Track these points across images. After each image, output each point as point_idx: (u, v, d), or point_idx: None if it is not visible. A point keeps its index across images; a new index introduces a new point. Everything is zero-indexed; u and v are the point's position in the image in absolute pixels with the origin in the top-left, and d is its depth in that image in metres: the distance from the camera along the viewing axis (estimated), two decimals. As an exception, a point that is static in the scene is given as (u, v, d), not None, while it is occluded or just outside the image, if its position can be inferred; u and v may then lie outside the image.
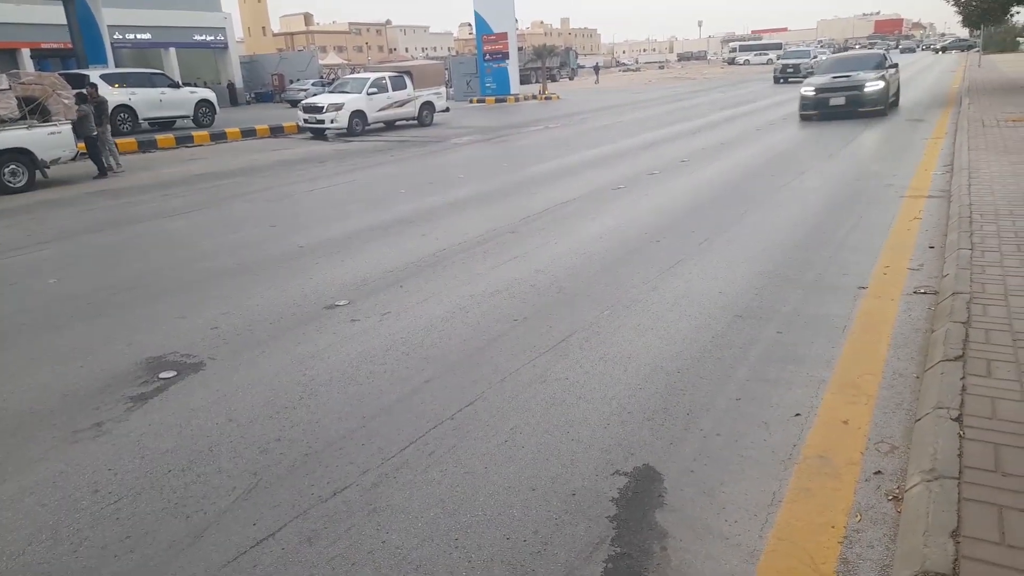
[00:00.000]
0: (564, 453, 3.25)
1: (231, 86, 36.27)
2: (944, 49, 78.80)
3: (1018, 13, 33.13)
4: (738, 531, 2.67)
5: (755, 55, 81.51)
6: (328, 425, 3.63)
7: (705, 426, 3.42)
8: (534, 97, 34.55)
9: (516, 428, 3.49)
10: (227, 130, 20.29)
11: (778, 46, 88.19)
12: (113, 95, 18.74)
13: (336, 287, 5.94)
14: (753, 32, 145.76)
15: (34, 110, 12.83)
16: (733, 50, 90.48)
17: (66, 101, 13.39)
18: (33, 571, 2.65)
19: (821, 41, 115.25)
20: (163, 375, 4.33)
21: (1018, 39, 51.87)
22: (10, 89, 12.50)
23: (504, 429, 3.48)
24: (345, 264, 6.72)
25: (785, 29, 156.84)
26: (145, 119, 20.59)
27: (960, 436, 2.91)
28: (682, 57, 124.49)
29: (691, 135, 16.04)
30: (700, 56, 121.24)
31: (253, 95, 39.41)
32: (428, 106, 22.15)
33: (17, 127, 12.28)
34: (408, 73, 22.16)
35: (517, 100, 33.10)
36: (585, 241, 7.08)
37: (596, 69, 62.66)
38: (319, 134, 19.59)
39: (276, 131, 21.17)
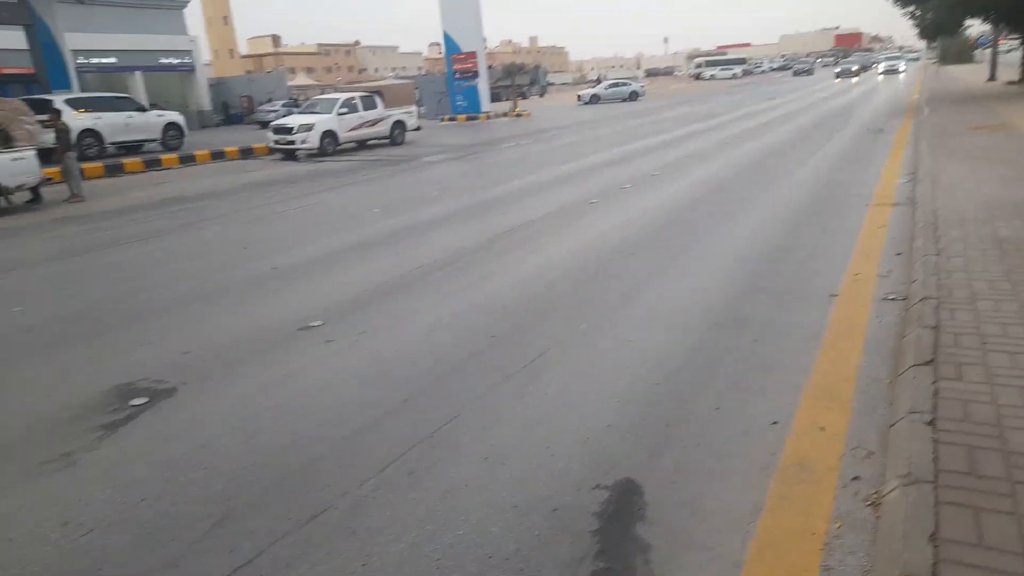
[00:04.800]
0: (544, 469, 3.23)
1: (201, 113, 35.97)
2: (844, 73, 53.56)
3: (971, 26, 34.22)
4: (720, 541, 2.67)
5: (720, 69, 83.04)
6: (303, 448, 3.57)
7: (685, 437, 3.43)
8: (505, 115, 34.75)
9: (495, 446, 3.46)
10: (196, 153, 20.08)
11: (742, 61, 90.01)
12: (78, 119, 18.45)
13: (310, 308, 5.87)
14: (718, 48, 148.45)
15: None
16: (699, 65, 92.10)
17: (29, 127, 13.18)
18: (-1, 610, 2.56)
19: (784, 56, 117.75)
20: (134, 402, 4.24)
21: (973, 51, 53.56)
22: (-29, 115, 12.27)
23: (483, 447, 3.46)
24: (319, 284, 6.66)
25: (748, 44, 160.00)
26: (112, 143, 20.28)
27: (934, 440, 2.95)
28: (650, 73, 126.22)
29: (661, 149, 16.23)
30: (667, 72, 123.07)
31: (221, 117, 39.09)
32: (399, 125, 22.15)
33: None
34: (379, 92, 22.17)
35: (488, 118, 33.26)
36: (559, 256, 7.10)
37: (598, 81, 63.91)
38: (290, 155, 19.47)
39: (246, 153, 21.00)
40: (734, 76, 78.67)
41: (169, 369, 4.73)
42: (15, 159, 12.50)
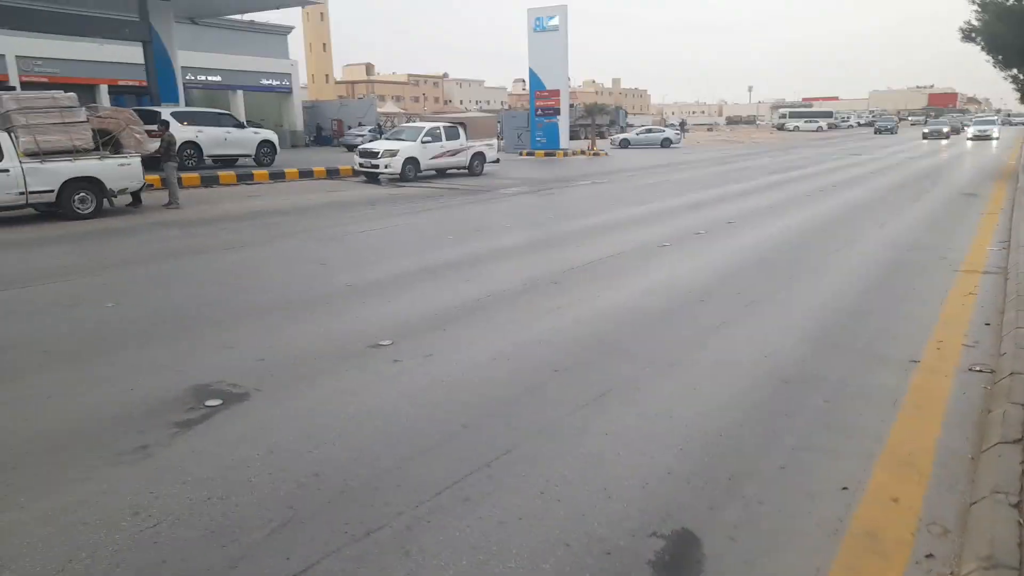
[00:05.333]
0: (600, 510, 3.19)
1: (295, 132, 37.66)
2: (933, 135, 49.67)
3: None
4: (779, 605, 2.57)
5: (805, 122, 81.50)
6: (365, 463, 3.64)
7: (748, 493, 3.33)
8: (582, 153, 35.01)
9: (552, 480, 3.45)
10: (286, 170, 20.98)
11: (829, 114, 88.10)
12: (182, 132, 19.62)
13: (380, 327, 6.02)
14: (804, 99, 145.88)
15: (107, 142, 13.49)
16: (783, 116, 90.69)
17: (138, 135, 14.07)
18: (70, 588, 2.69)
19: (872, 111, 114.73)
20: (209, 403, 4.42)
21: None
22: (87, 122, 13.19)
23: (540, 481, 3.44)
24: (390, 305, 6.81)
25: (836, 98, 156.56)
26: (210, 156, 21.43)
27: (1019, 523, 2.78)
28: (731, 121, 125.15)
29: (738, 197, 15.99)
30: (749, 120, 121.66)
31: (312, 138, 40.82)
32: (479, 156, 22.61)
33: (90, 157, 12.90)
34: (462, 124, 22.74)
35: (566, 155, 33.57)
36: (628, 296, 7.06)
37: (682, 125, 63.64)
38: (373, 178, 20.11)
39: (332, 173, 21.80)
40: (819, 129, 77.01)
41: (244, 374, 4.92)
42: (122, 164, 13.35)
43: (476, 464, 3.60)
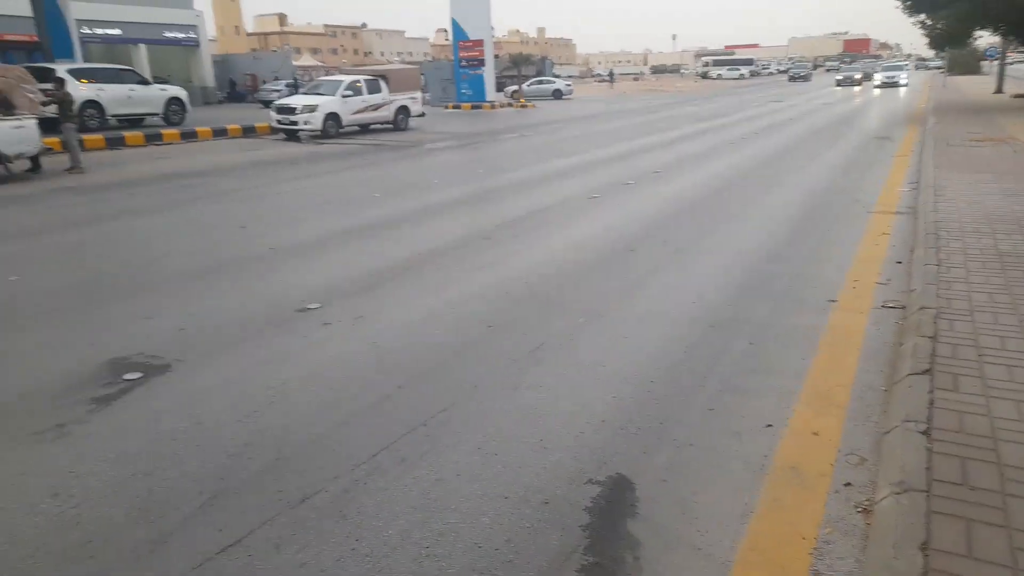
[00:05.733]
0: (537, 462, 3.23)
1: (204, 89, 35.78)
2: (845, 82, 48.53)
3: (980, 37, 34.16)
4: (710, 542, 2.67)
5: (728, 69, 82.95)
6: (298, 430, 3.56)
7: (678, 436, 3.43)
8: (510, 105, 34.65)
9: (489, 436, 3.46)
10: (198, 129, 19.98)
11: (750, 61, 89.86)
12: (81, 90, 18.33)
13: (308, 290, 5.86)
14: (726, 48, 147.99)
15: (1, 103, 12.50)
16: (706, 64, 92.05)
17: (31, 95, 13.08)
18: (-14, 578, 2.55)
19: (792, 58, 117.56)
20: (128, 376, 4.22)
21: (981, 62, 53.42)
22: (-28, 81, 12.16)
23: (476, 437, 3.45)
24: (317, 267, 6.63)
25: (756, 46, 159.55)
26: (113, 115, 20.15)
27: (928, 449, 2.96)
28: (656, 70, 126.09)
29: (665, 147, 16.20)
30: (674, 70, 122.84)
31: (225, 94, 38.90)
32: (403, 110, 22.06)
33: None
34: (384, 77, 22.05)
35: (493, 107, 33.16)
36: (559, 249, 7.09)
37: (611, 75, 63.13)
38: (292, 135, 19.38)
39: (248, 131, 20.90)
40: (741, 76, 78.49)
41: (164, 345, 4.71)
42: (16, 127, 12.40)
43: (412, 424, 3.58)
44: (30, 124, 12.68)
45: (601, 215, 8.74)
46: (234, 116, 25.47)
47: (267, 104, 27.13)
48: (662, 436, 3.43)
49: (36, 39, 22.04)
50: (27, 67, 15.90)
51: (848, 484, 2.98)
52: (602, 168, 12.96)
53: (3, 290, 6.13)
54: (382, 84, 21.40)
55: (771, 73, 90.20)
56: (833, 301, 5.28)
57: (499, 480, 3.08)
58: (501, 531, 2.75)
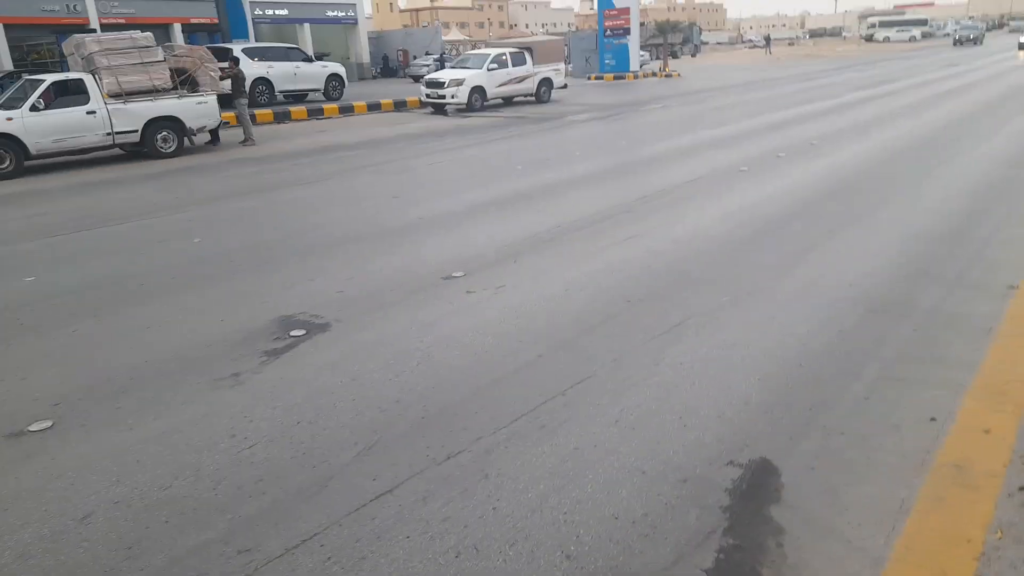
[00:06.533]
0: (676, 439, 3.20)
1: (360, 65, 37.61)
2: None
3: None
4: (862, 535, 2.54)
5: (897, 31, 75.59)
6: (443, 391, 3.74)
7: (828, 423, 3.27)
8: (654, 75, 33.70)
9: (627, 409, 3.47)
10: (355, 104, 21.07)
11: (923, 22, 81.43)
12: (253, 68, 19.86)
13: (453, 258, 6.08)
14: (896, 7, 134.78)
15: (184, 81, 13.80)
16: (872, 26, 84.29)
17: (212, 73, 14.32)
18: (179, 504, 2.91)
19: (972, 17, 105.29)
20: (293, 333, 4.61)
21: None
22: (165, 61, 13.49)
23: (615, 409, 3.47)
24: (462, 237, 6.86)
25: (932, 3, 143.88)
26: (281, 91, 21.68)
27: None
28: (814, 34, 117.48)
29: (822, 116, 15.15)
30: (835, 33, 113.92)
31: (378, 70, 40.67)
32: (546, 82, 22.07)
33: (169, 96, 13.26)
34: (528, 49, 22.13)
35: (636, 77, 32.40)
36: (705, 223, 6.88)
37: (767, 41, 59.66)
38: (440, 109, 19.98)
39: (400, 105, 21.77)
40: (912, 39, 71.36)
41: (326, 305, 5.09)
42: (199, 102, 13.67)
43: (551, 392, 3.66)
44: (211, 100, 13.92)
45: (750, 189, 8.35)
46: (387, 91, 26.61)
47: (417, 79, 28.12)
48: (810, 422, 3.28)
49: (216, 21, 24.09)
50: (208, 47, 17.44)
51: (1023, 488, 2.72)
52: (752, 139, 12.35)
53: (188, 251, 6.84)
54: (527, 56, 21.51)
55: (946, 35, 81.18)
56: (1014, 287, 4.77)
57: (637, 454, 3.09)
58: (639, 505, 2.76)
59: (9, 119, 11.51)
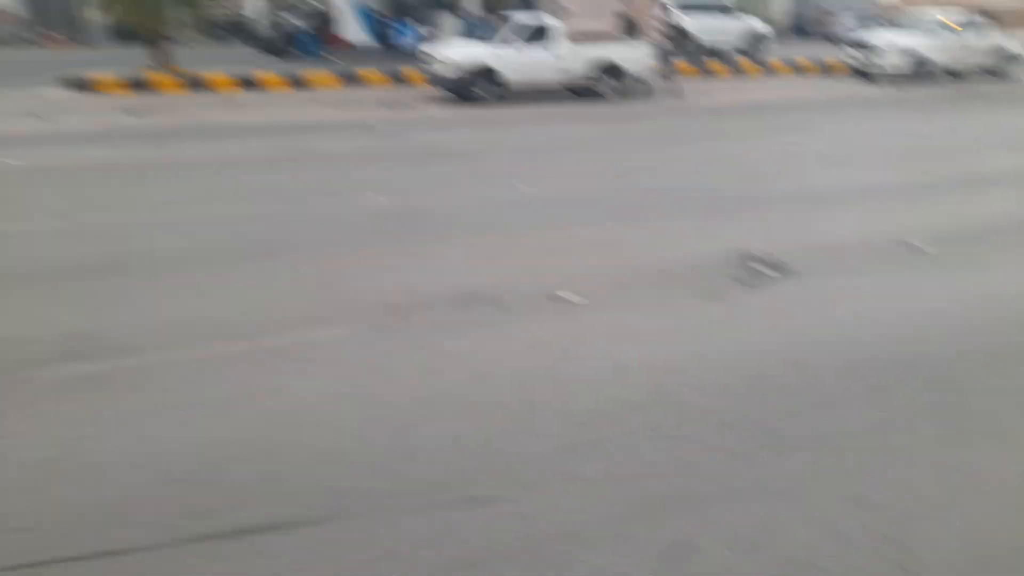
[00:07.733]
0: None
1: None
2: None
3: None
4: None
5: None
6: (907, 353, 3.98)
7: None
8: None
9: None
10: (772, 61, 20.52)
11: None
12: (685, 22, 20.47)
13: (913, 230, 6.03)
14: None
15: (628, 29, 14.87)
16: None
17: (655, 24, 15.25)
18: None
19: None
20: (765, 272, 5.15)
21: None
22: (616, 10, 14.62)
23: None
24: (919, 210, 6.77)
25: None
26: (705, 46, 21.94)
27: None
28: None
29: None
30: None
31: (792, 28, 38.60)
32: (1013, 59, 18.83)
33: (615, 43, 14.45)
34: (988, 15, 19.05)
35: None
36: None
37: None
38: (865, 75, 18.47)
39: (822, 69, 20.63)
40: None
41: (787, 253, 5.48)
42: (640, 51, 14.68)
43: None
44: (648, 49, 14.86)
45: None
46: (802, 51, 25.33)
47: (836, 40, 26.12)
48: None
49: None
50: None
51: None
52: None
53: (653, 186, 7.82)
54: (985, 25, 18.58)
55: None
56: None
57: None
58: None
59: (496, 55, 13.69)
